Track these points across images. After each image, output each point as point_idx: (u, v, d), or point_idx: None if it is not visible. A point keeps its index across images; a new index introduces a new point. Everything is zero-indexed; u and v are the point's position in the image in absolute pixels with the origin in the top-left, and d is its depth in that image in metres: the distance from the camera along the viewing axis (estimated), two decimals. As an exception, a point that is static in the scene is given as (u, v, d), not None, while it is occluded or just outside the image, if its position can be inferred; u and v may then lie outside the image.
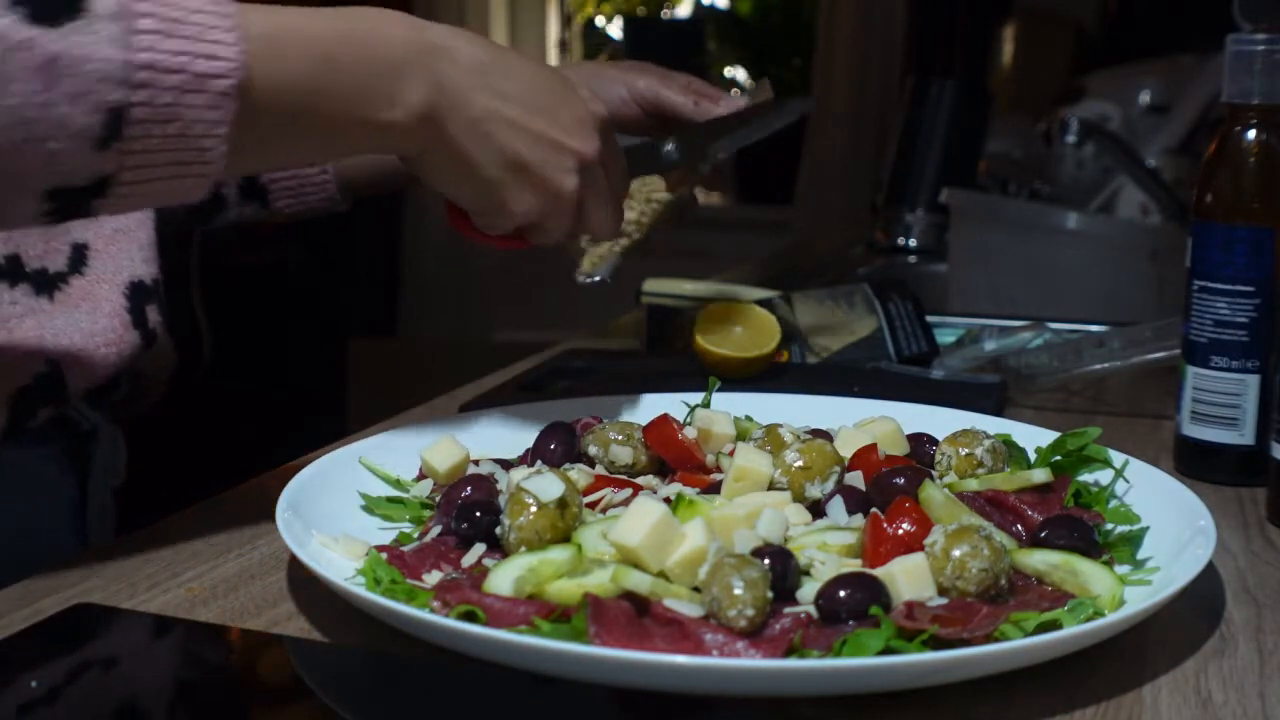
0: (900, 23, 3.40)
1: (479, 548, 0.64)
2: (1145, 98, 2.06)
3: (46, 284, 0.83)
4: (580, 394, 0.91)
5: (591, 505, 0.69)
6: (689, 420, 0.78)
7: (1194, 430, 0.86)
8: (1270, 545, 0.75)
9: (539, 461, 0.76)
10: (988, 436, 0.74)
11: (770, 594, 0.56)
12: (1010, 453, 0.75)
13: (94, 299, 0.85)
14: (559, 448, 0.77)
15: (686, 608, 0.56)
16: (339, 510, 0.71)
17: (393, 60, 0.69)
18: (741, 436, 0.77)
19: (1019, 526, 0.68)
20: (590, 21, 4.07)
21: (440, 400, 1.01)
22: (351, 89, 0.68)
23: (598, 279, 0.96)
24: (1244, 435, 0.84)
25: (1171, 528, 0.67)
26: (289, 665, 0.58)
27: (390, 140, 0.71)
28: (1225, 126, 0.85)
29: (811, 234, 3.12)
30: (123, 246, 0.88)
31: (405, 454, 0.77)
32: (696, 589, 0.58)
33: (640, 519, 0.59)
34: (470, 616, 0.56)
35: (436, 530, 0.67)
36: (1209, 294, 0.84)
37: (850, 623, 0.56)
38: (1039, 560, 0.63)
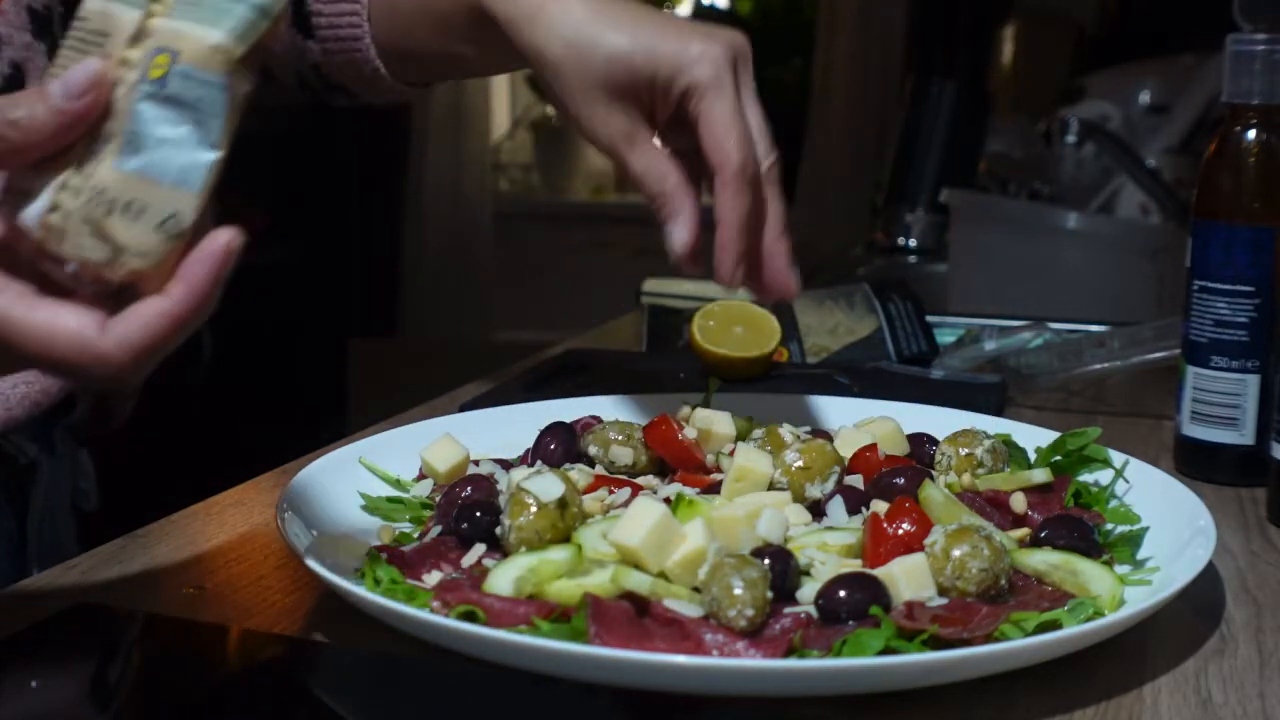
0: (900, 23, 3.40)
1: (479, 548, 0.64)
2: (1145, 98, 2.06)
3: None
4: (580, 394, 0.91)
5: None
6: (689, 420, 0.78)
7: (1194, 430, 0.86)
8: (1270, 545, 0.75)
9: (539, 461, 0.76)
10: (988, 436, 0.74)
11: (770, 594, 0.56)
12: (1010, 453, 0.75)
13: None
14: (559, 448, 0.77)
15: (686, 608, 0.56)
16: (339, 510, 0.71)
17: None
18: (741, 436, 0.77)
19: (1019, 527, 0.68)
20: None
21: (440, 400, 1.01)
22: None
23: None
24: (1244, 435, 0.84)
25: (1171, 528, 0.67)
26: (289, 665, 0.58)
27: None
28: (1225, 126, 0.85)
29: (811, 234, 3.12)
30: None
31: (405, 454, 0.77)
32: (696, 589, 0.58)
33: (640, 519, 0.59)
34: (470, 616, 0.56)
35: (436, 530, 0.67)
36: (1209, 294, 0.84)
37: (850, 623, 0.56)
38: (1039, 560, 0.63)
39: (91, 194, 0.51)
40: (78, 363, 0.51)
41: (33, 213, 0.51)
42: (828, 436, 0.76)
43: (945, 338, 1.16)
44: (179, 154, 0.52)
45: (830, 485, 0.69)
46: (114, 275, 0.52)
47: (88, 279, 0.52)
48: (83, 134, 0.52)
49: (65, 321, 0.51)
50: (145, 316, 0.51)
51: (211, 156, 0.52)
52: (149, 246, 0.51)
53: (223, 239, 0.52)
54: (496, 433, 0.82)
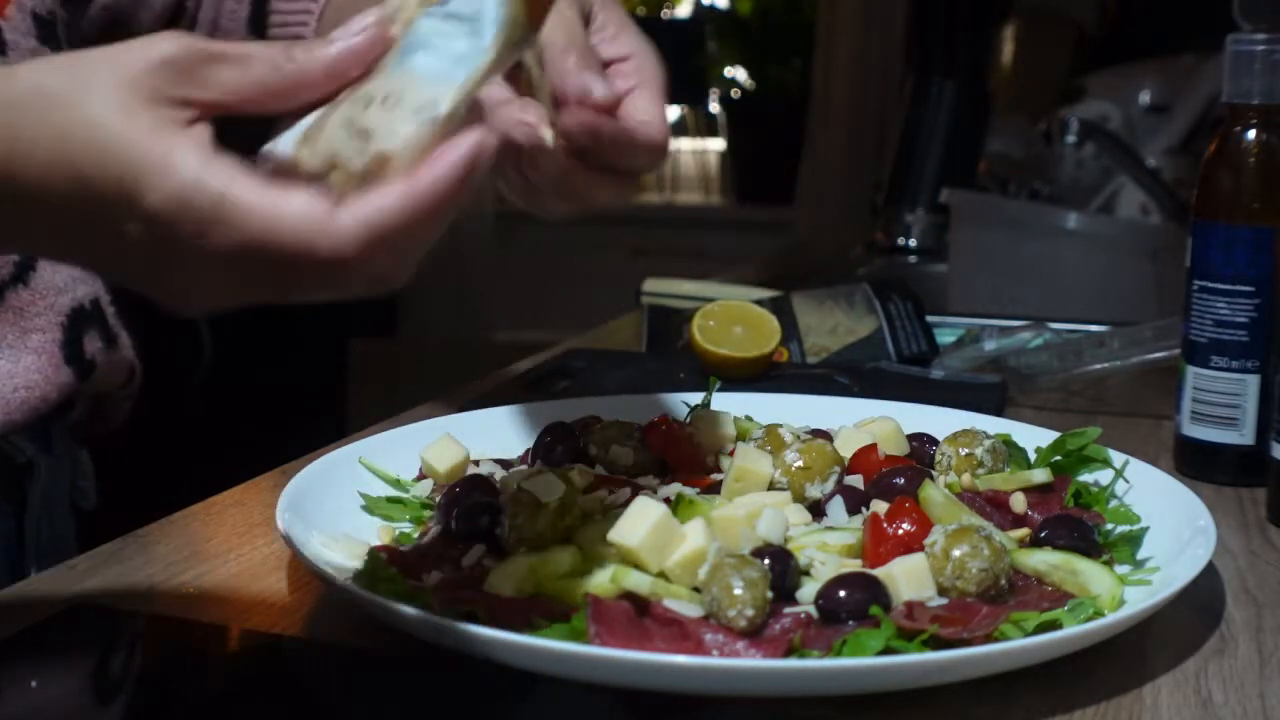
0: (900, 23, 3.40)
1: (479, 548, 0.64)
2: (1145, 98, 2.06)
3: None
4: (580, 394, 0.91)
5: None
6: (689, 420, 0.78)
7: (1194, 430, 0.86)
8: (1270, 545, 0.75)
9: (539, 461, 0.76)
10: (988, 436, 0.74)
11: (770, 594, 0.56)
12: (1010, 453, 0.75)
13: (22, 329, 0.80)
14: (559, 448, 0.76)
15: (686, 608, 0.56)
16: (339, 510, 0.71)
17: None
18: (741, 436, 0.77)
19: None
20: (590, 21, 4.07)
21: (440, 400, 1.01)
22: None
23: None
24: (1244, 435, 0.84)
25: (1171, 528, 0.67)
26: (289, 665, 0.58)
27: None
28: (1225, 126, 0.85)
29: (811, 234, 3.12)
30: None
31: (405, 454, 0.77)
32: (696, 589, 0.58)
33: (640, 519, 0.59)
34: (470, 616, 0.56)
35: (436, 530, 0.67)
36: (1209, 294, 0.84)
37: (850, 623, 0.56)
38: (1039, 560, 0.63)
39: (352, 100, 0.50)
40: (305, 241, 0.47)
41: (287, 137, 0.50)
42: (828, 436, 0.76)
43: (945, 338, 1.16)
44: (446, 53, 0.51)
45: (830, 485, 0.69)
46: (360, 162, 0.49)
47: (338, 184, 0.49)
48: (358, 75, 0.51)
49: (293, 201, 0.47)
50: (383, 195, 0.48)
51: (480, 56, 0.51)
52: (399, 130, 0.49)
53: (478, 134, 0.49)
54: (496, 433, 0.82)
